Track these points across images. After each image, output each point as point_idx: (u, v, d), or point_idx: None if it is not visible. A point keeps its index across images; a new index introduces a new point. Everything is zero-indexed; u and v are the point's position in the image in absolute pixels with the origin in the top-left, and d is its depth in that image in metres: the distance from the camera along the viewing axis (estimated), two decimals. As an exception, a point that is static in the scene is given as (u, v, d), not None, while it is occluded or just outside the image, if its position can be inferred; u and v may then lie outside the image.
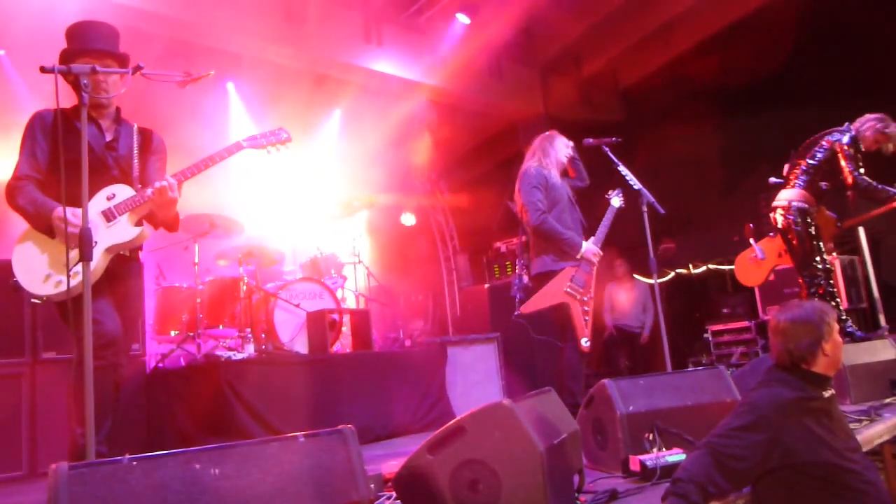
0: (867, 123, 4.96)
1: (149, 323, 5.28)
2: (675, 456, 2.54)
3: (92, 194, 2.90)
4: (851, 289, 6.60)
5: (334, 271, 6.38)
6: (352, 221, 7.43)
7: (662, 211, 4.21)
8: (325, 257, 6.40)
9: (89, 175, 2.47)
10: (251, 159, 3.53)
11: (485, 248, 8.10)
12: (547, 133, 4.45)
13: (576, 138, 4.45)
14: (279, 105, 7.22)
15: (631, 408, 2.72)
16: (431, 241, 9.52)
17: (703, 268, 8.95)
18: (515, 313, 4.03)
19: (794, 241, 4.99)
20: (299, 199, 7.78)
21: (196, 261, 5.48)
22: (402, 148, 8.46)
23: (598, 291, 4.26)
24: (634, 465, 2.58)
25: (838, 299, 5.06)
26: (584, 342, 3.93)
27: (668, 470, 2.41)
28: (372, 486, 2.02)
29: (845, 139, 4.92)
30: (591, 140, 4.39)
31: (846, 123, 5.04)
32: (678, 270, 9.04)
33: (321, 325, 5.25)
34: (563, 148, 4.35)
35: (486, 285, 7.31)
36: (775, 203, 5.11)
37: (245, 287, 5.46)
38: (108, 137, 3.11)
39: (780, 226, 5.07)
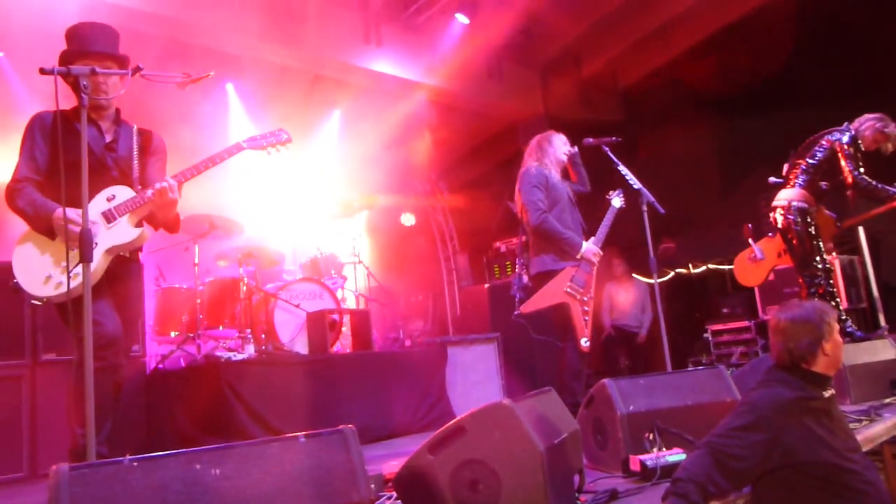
0: (866, 123, 4.96)
1: (149, 324, 5.28)
2: (676, 456, 2.54)
3: (92, 195, 2.90)
4: (851, 289, 6.60)
5: (334, 271, 6.38)
6: (352, 222, 7.43)
7: (662, 210, 4.21)
8: (324, 258, 6.40)
9: (89, 176, 2.47)
10: (251, 160, 3.53)
11: (485, 248, 8.10)
12: (544, 133, 4.44)
13: (575, 138, 4.45)
14: (278, 105, 7.22)
15: (631, 407, 2.73)
16: (431, 241, 9.52)
17: (703, 267, 8.95)
18: (515, 313, 4.03)
19: (794, 241, 4.99)
20: (299, 199, 7.79)
21: (196, 261, 5.49)
22: (401, 148, 8.46)
23: (598, 291, 4.25)
24: (634, 465, 2.58)
25: (838, 299, 5.07)
26: (584, 342, 3.93)
27: (669, 470, 2.42)
28: (372, 486, 2.02)
29: (845, 139, 4.92)
30: (590, 140, 4.39)
31: (845, 123, 5.04)
32: (678, 270, 9.04)
33: (321, 326, 5.25)
34: (561, 146, 4.35)
35: (486, 285, 7.31)
36: (775, 203, 5.12)
37: (245, 288, 5.46)
38: (108, 139, 3.12)
39: (779, 225, 5.07)
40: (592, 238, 4.18)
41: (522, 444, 2.03)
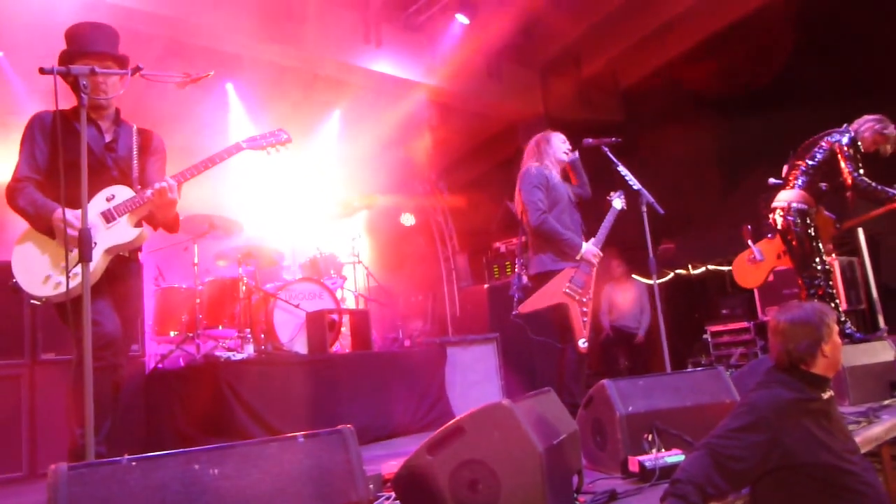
0: (866, 125, 4.96)
1: (148, 323, 5.28)
2: (674, 457, 2.55)
3: (91, 195, 2.90)
4: (850, 290, 6.60)
5: (334, 271, 6.38)
6: (351, 222, 7.44)
7: (662, 211, 4.21)
8: (324, 257, 6.40)
9: (89, 176, 2.47)
10: (251, 160, 3.53)
11: (484, 249, 8.09)
12: (542, 133, 4.43)
13: (575, 138, 4.44)
14: (278, 105, 7.22)
15: (630, 408, 2.73)
16: (431, 241, 9.51)
17: (703, 268, 8.94)
18: (513, 312, 4.02)
19: (794, 243, 5.00)
20: (299, 199, 7.78)
21: (195, 261, 5.49)
22: (401, 148, 8.47)
23: (596, 292, 4.25)
24: (633, 466, 2.58)
25: (837, 300, 5.06)
26: (582, 343, 3.92)
27: (667, 471, 2.42)
28: (371, 486, 2.02)
29: (845, 140, 4.92)
30: (590, 140, 4.38)
31: (845, 125, 5.05)
32: (677, 271, 9.04)
33: (320, 326, 5.25)
34: (560, 145, 4.34)
35: (486, 285, 7.31)
36: (775, 204, 5.12)
37: (244, 287, 5.46)
38: (108, 138, 3.12)
39: (779, 227, 5.07)
40: (592, 239, 4.17)
41: (521, 444, 2.03)
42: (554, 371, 4.17)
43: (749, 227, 5.71)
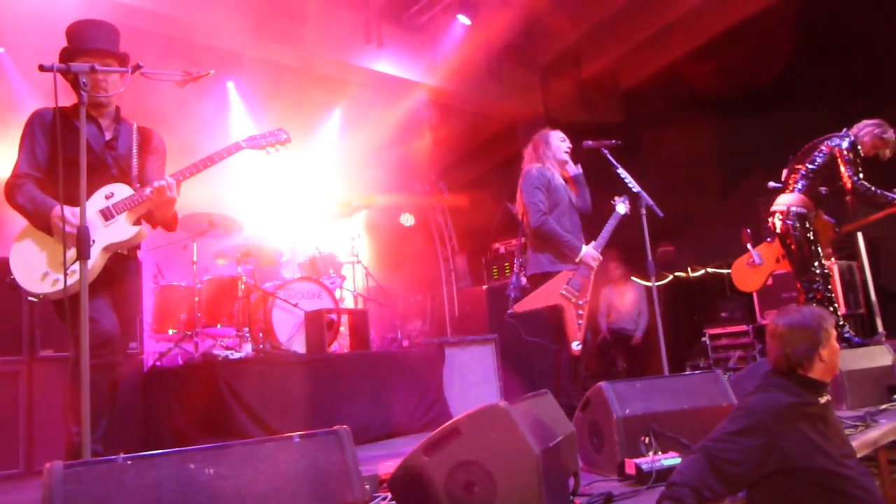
0: (865, 129, 4.97)
1: (147, 321, 5.27)
2: (671, 460, 2.55)
3: (91, 193, 2.90)
4: (849, 294, 6.60)
5: (333, 271, 6.38)
6: (351, 221, 7.43)
7: (661, 214, 4.21)
8: (323, 257, 6.40)
9: (88, 174, 2.46)
10: (250, 158, 3.53)
11: (484, 249, 8.09)
12: (540, 132, 4.41)
13: (575, 139, 4.43)
14: (279, 104, 7.21)
15: (627, 411, 2.73)
16: (430, 241, 9.51)
17: (702, 271, 8.94)
18: (508, 311, 4.02)
19: (793, 246, 5.00)
20: (298, 198, 7.78)
21: (194, 259, 5.49)
22: (401, 148, 8.46)
23: (595, 295, 4.25)
24: (630, 469, 2.58)
25: (836, 304, 5.07)
26: (576, 345, 3.92)
27: (664, 473, 2.41)
28: (367, 486, 2.02)
29: (845, 144, 4.93)
30: (590, 142, 4.38)
31: (844, 129, 5.05)
32: (677, 273, 9.04)
33: (319, 325, 5.25)
34: (559, 144, 4.33)
35: (485, 286, 7.32)
36: (774, 208, 5.12)
37: (243, 286, 5.46)
38: (108, 136, 3.12)
39: (778, 230, 5.08)
40: (593, 242, 4.16)
41: (518, 446, 2.03)
42: (549, 373, 4.17)
43: (748, 230, 5.71)
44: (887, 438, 3.27)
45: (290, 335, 5.46)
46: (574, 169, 4.36)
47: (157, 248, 5.28)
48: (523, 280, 4.23)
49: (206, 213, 5.49)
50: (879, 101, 5.17)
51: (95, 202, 2.94)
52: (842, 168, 4.88)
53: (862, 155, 4.94)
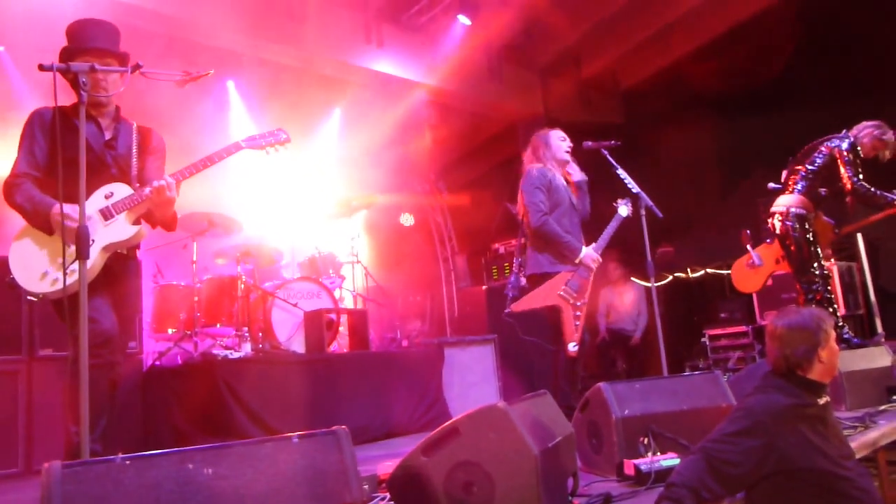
0: (865, 130, 4.97)
1: (146, 321, 5.27)
2: (670, 460, 2.55)
3: (90, 193, 2.90)
4: (849, 295, 6.61)
5: (332, 271, 6.38)
6: (350, 221, 7.43)
7: (661, 215, 4.21)
8: (323, 257, 6.39)
9: (88, 173, 2.46)
10: (250, 158, 3.53)
11: (483, 249, 8.10)
12: (539, 133, 4.39)
13: (575, 140, 4.42)
14: (279, 104, 7.21)
15: (626, 411, 2.73)
16: (430, 241, 9.51)
17: (702, 272, 8.94)
18: (506, 310, 4.02)
19: (793, 248, 5.00)
20: (298, 198, 7.78)
21: (194, 259, 5.48)
22: (401, 148, 8.46)
23: (594, 295, 4.24)
24: (629, 469, 2.58)
25: (835, 305, 5.07)
26: (572, 346, 3.91)
27: (663, 474, 2.41)
28: (366, 486, 2.02)
29: (844, 145, 4.93)
30: (590, 143, 4.37)
31: (844, 130, 5.05)
32: (676, 274, 9.04)
33: (318, 325, 5.25)
34: (559, 144, 4.32)
35: (484, 286, 7.32)
36: (774, 209, 5.12)
37: (243, 286, 5.46)
38: (108, 136, 3.11)
39: (778, 231, 5.08)
40: (593, 244, 4.15)
41: (516, 446, 2.03)
42: (547, 373, 4.17)
43: (748, 231, 5.71)
44: (886, 439, 3.27)
45: (290, 335, 5.46)
46: (580, 175, 4.34)
47: (156, 247, 5.28)
48: (522, 280, 4.22)
49: (205, 212, 5.48)
50: (879, 101, 5.18)
51: (95, 201, 2.93)
52: (841, 169, 4.88)
53: (862, 156, 4.94)
